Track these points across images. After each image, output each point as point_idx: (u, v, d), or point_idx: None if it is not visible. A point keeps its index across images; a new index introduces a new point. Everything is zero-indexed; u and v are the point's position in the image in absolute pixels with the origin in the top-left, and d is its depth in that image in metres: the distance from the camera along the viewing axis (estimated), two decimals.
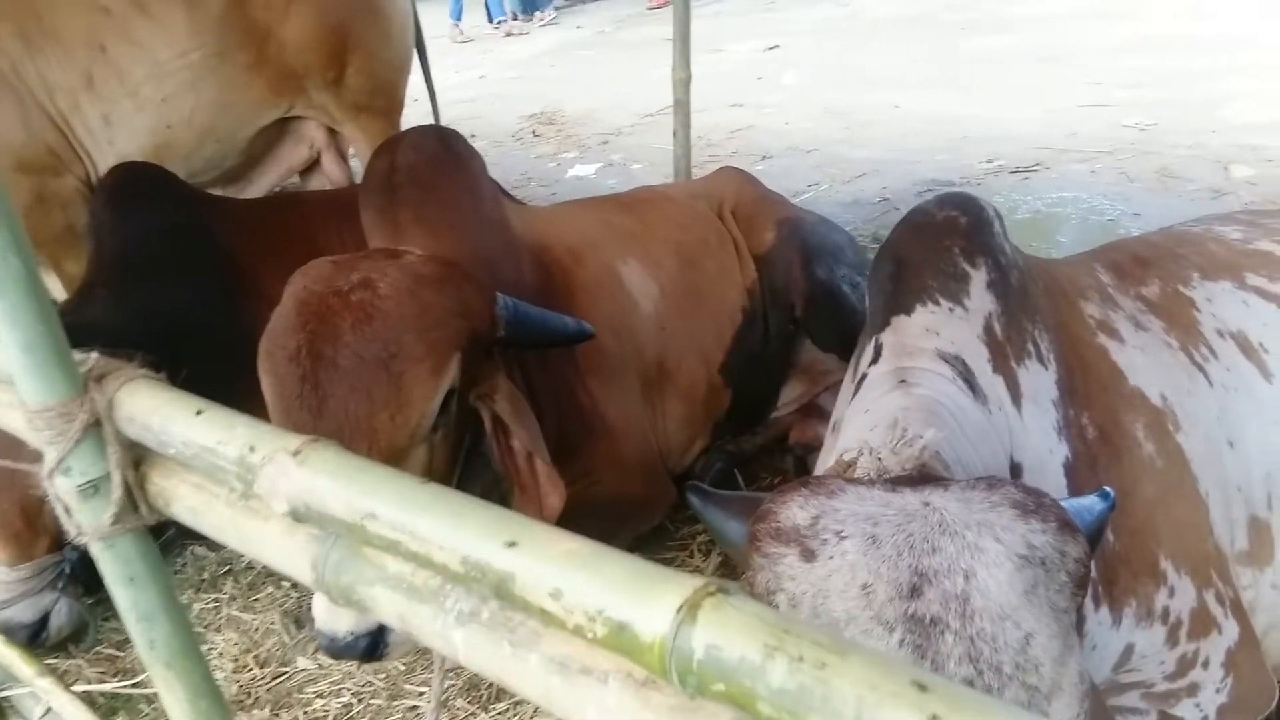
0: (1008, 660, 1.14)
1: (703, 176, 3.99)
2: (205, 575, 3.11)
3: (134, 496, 1.22)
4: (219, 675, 2.70)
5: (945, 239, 1.96)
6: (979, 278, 1.92)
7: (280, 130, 4.30)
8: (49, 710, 2.21)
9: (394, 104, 4.44)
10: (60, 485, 1.19)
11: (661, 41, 6.79)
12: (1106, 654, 1.87)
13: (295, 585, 2.98)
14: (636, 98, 8.40)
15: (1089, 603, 1.76)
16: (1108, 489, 1.46)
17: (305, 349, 1.92)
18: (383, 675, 2.62)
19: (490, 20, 14.11)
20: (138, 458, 1.23)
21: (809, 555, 1.25)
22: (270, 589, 3.01)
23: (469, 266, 2.25)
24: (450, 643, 0.93)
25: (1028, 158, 5.88)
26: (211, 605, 2.99)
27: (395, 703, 2.56)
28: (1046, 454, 1.87)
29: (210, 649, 2.82)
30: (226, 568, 3.12)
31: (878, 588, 1.19)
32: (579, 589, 0.78)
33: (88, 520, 1.22)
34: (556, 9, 14.83)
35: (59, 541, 2.64)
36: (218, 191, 4.13)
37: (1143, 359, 2.04)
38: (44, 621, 2.72)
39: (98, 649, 2.86)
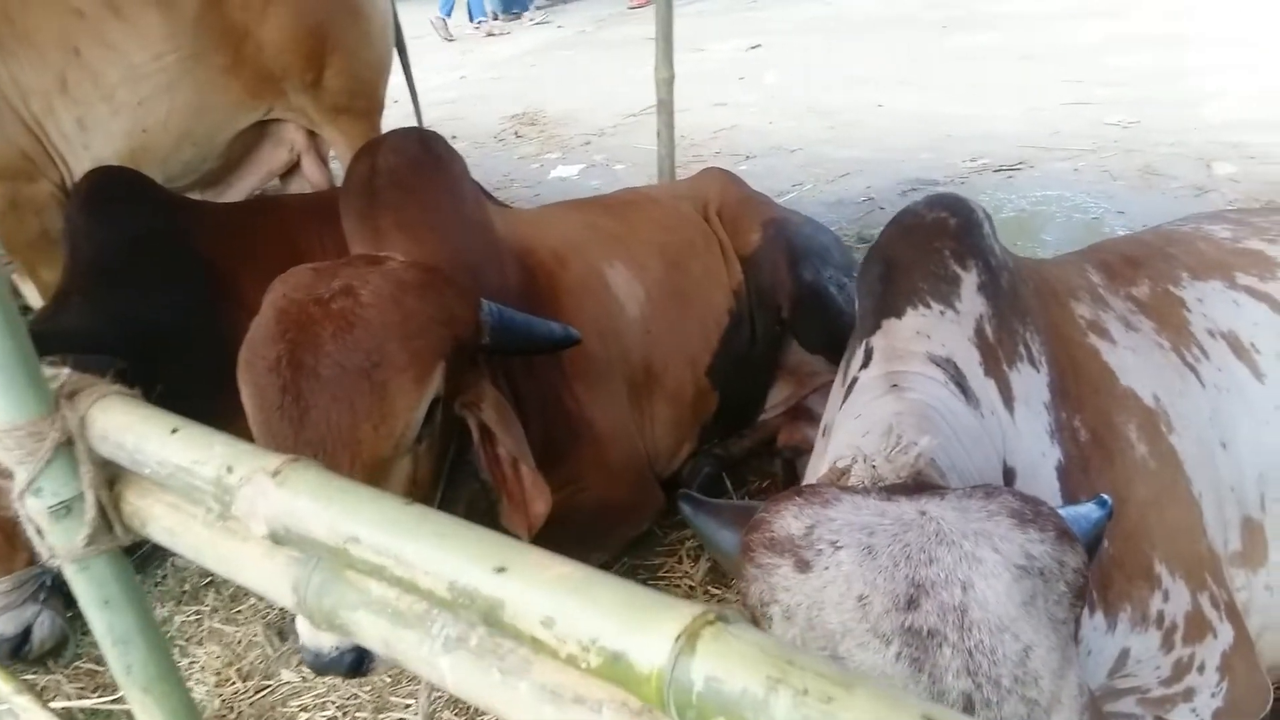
0: (1006, 673, 1.12)
1: (687, 177, 3.96)
2: (186, 587, 3.06)
3: (108, 517, 1.18)
4: (201, 690, 2.66)
5: (935, 241, 1.94)
6: (970, 280, 1.90)
7: (259, 133, 4.25)
8: None
9: (374, 106, 4.39)
10: (31, 506, 1.16)
11: (643, 41, 6.78)
12: (1101, 659, 1.85)
13: None
14: (619, 98, 8.37)
15: None
16: (1105, 497, 1.44)
17: (285, 359, 1.88)
18: (368, 688, 2.58)
19: (471, 19, 14.05)
20: (111, 476, 1.19)
21: (804, 566, 1.23)
22: (253, 600, 2.96)
23: (452, 271, 2.21)
24: (437, 669, 0.90)
25: (1011, 156, 5.88)
26: (193, 618, 2.94)
27: (381, 715, 2.52)
28: (1039, 457, 1.85)
29: (192, 663, 2.77)
30: (208, 579, 3.07)
31: (874, 599, 1.17)
32: (572, 617, 0.75)
33: (60, 542, 1.18)
34: (538, 8, 14.78)
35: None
36: (196, 196, 4.07)
37: (1134, 360, 2.03)
38: (26, 635, 2.67)
39: (77, 664, 2.81)
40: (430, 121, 5.08)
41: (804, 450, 3.20)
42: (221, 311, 2.98)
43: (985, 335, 1.87)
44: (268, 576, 1.04)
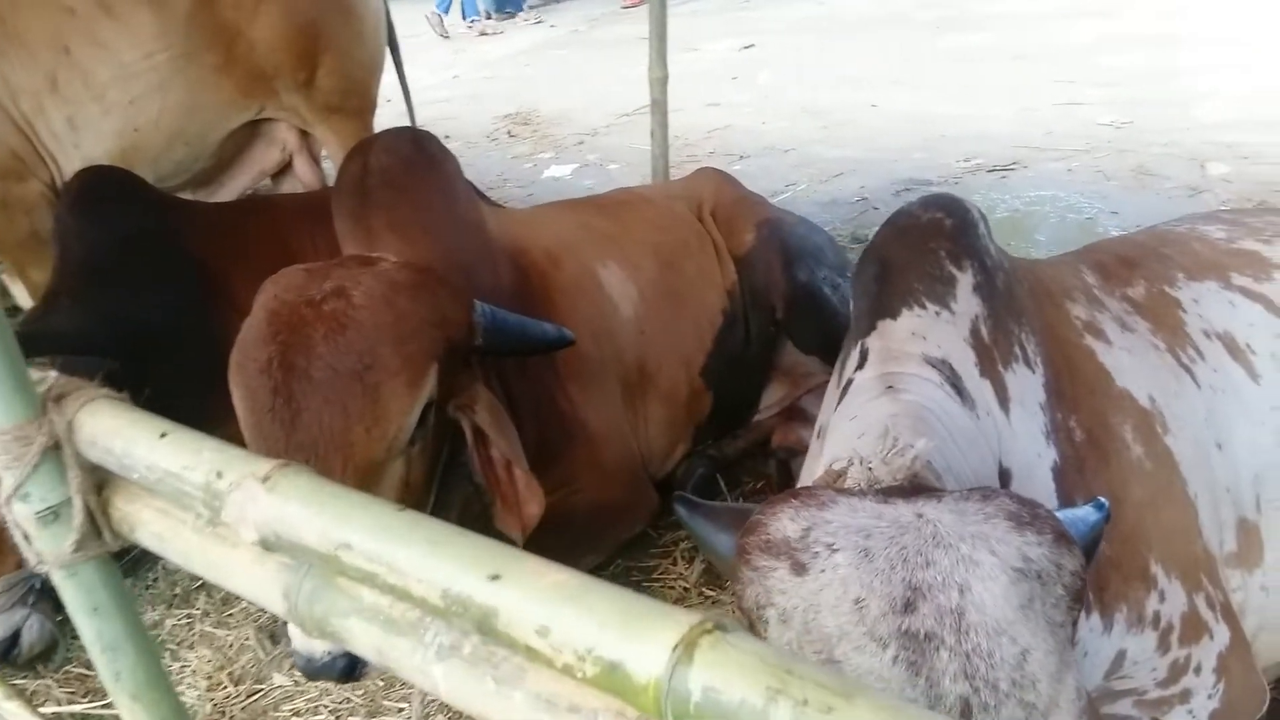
0: (1004, 676, 1.11)
1: (681, 177, 3.95)
2: (178, 590, 3.04)
3: (96, 522, 1.17)
4: (192, 694, 2.64)
5: (930, 241, 1.93)
6: (965, 280, 1.89)
7: (251, 133, 4.22)
8: None
9: (367, 105, 4.37)
10: (19, 512, 1.14)
11: (636, 40, 6.76)
12: (1098, 661, 1.84)
13: None
14: (612, 97, 8.35)
15: None
16: (1102, 500, 1.43)
17: (277, 361, 1.86)
18: (361, 691, 2.56)
19: (464, 18, 14.01)
20: (100, 481, 1.17)
21: (800, 569, 1.22)
22: (245, 604, 2.94)
23: (445, 272, 2.20)
24: (430, 677, 0.88)
25: (1005, 156, 5.87)
26: (184, 621, 2.92)
27: (374, 719, 2.51)
28: (1035, 458, 1.84)
29: (183, 667, 2.75)
30: (199, 583, 3.04)
31: (870, 602, 1.16)
32: (567, 625, 0.73)
33: (48, 548, 1.16)
34: (531, 8, 14.74)
35: None
36: (187, 195, 4.05)
37: (1130, 360, 2.02)
38: (14, 639, 2.65)
39: (67, 668, 2.78)
40: (423, 121, 5.06)
41: (798, 451, 3.19)
42: (213, 312, 2.96)
43: (981, 336, 1.86)
44: (258, 583, 1.02)
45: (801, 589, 1.20)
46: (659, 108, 4.66)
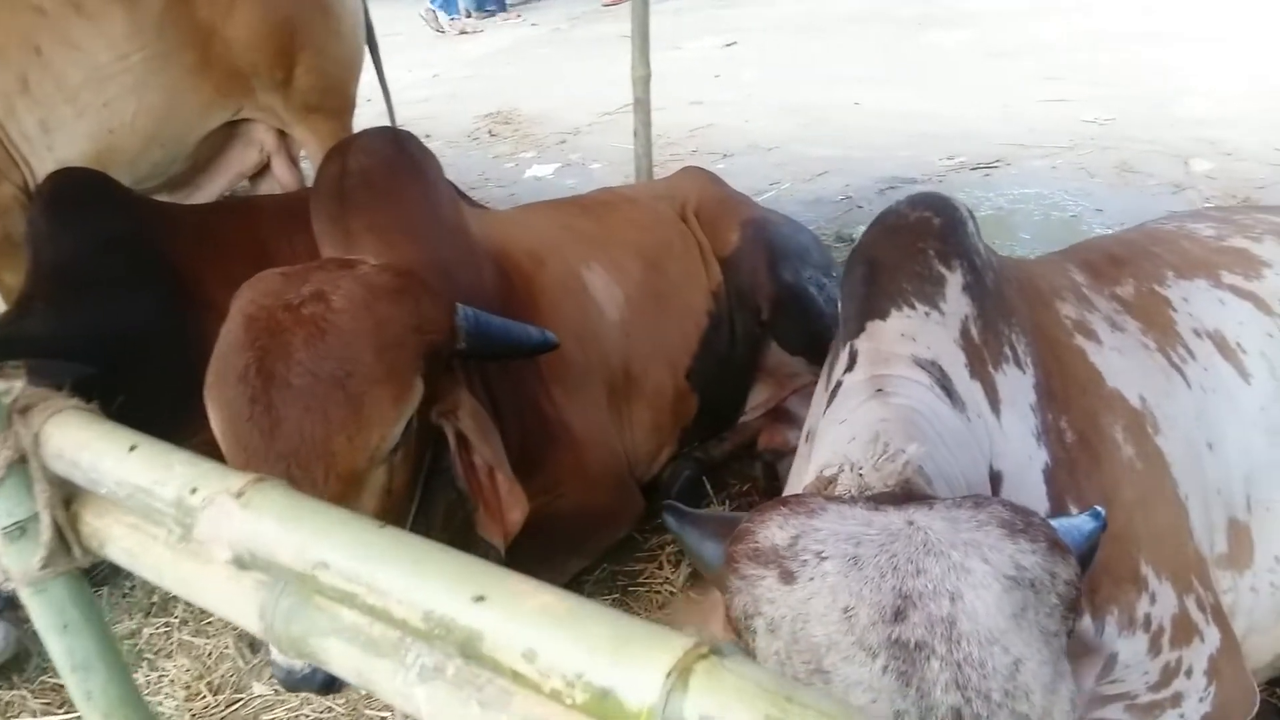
0: (996, 687, 1.09)
1: (665, 177, 3.93)
2: (155, 598, 2.99)
3: (65, 538, 1.13)
4: (170, 705, 2.59)
5: (919, 241, 1.91)
6: (954, 280, 1.87)
7: (228, 134, 4.16)
8: None
9: (345, 104, 4.32)
10: None
11: (617, 39, 6.74)
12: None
13: None
14: (594, 96, 8.31)
15: None
16: (1099, 509, 1.41)
17: (255, 368, 1.82)
18: (343, 701, 2.52)
19: (448, 16, 13.91)
20: (68, 495, 1.13)
21: (788, 577, 1.20)
22: None
23: (426, 275, 2.16)
24: (412, 701, 0.85)
25: (988, 154, 5.87)
26: (162, 630, 2.87)
27: None
28: (1026, 460, 1.82)
29: (161, 676, 2.70)
30: None
31: (860, 611, 1.14)
32: (555, 649, 0.70)
33: (15, 564, 1.12)
34: (511, 6, 14.67)
35: None
36: (164, 198, 3.99)
37: (1120, 360, 2.01)
38: None
39: (42, 678, 2.73)
40: (403, 120, 5.01)
41: (785, 453, 3.17)
42: (189, 316, 2.92)
43: (971, 337, 1.84)
44: (233, 601, 0.99)
45: (790, 598, 1.18)
46: (642, 106, 4.64)
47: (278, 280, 1.97)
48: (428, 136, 7.12)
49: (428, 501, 2.13)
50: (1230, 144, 5.47)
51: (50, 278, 2.97)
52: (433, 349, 1.99)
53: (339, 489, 1.82)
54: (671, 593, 2.82)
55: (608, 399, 2.88)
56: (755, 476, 3.27)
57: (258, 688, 2.63)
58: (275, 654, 1.83)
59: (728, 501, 3.17)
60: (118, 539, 1.10)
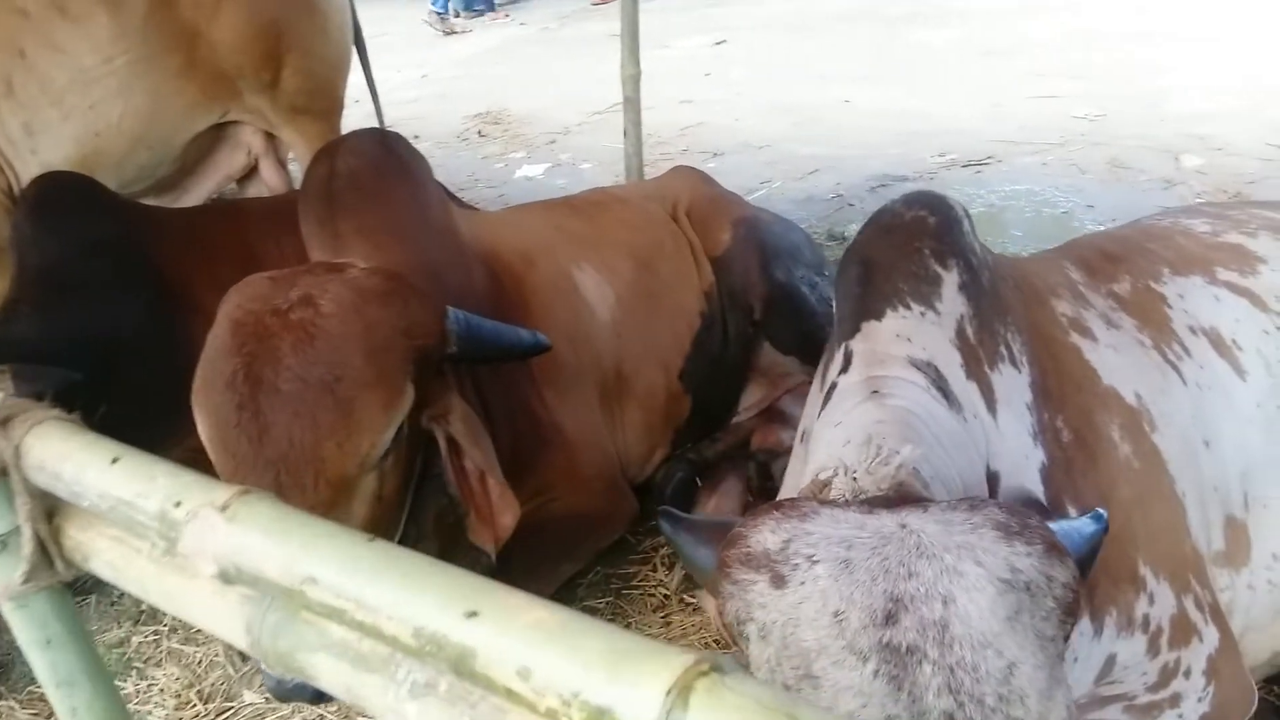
0: (990, 691, 1.07)
1: (656, 176, 3.91)
2: (144, 606, 2.95)
3: (48, 551, 1.10)
4: (160, 714, 2.56)
5: (915, 240, 1.89)
6: (950, 280, 1.86)
7: (216, 136, 4.12)
8: None
9: (333, 106, 4.28)
10: None
11: (607, 38, 6.71)
12: (1088, 666, 1.82)
13: None
14: (584, 95, 8.28)
15: None
16: (1101, 511, 1.40)
17: (242, 374, 1.79)
18: (334, 709, 2.49)
19: (433, 4, 13.84)
20: (50, 508, 1.11)
21: (779, 581, 1.18)
22: None
23: (416, 278, 2.14)
24: (403, 717, 0.83)
25: (979, 151, 5.87)
26: (151, 638, 2.84)
27: None
28: (1022, 460, 1.81)
29: (150, 685, 2.67)
30: None
31: (850, 615, 1.12)
32: (551, 667, 0.68)
33: None
34: (498, 5, 14.62)
35: None
36: (151, 201, 3.95)
37: (1116, 358, 2.00)
38: None
39: (30, 688, 2.70)
40: (391, 121, 5.00)
41: (779, 453, 3.16)
42: (177, 321, 2.88)
43: (966, 336, 1.82)
44: (219, 616, 0.96)
45: (781, 602, 1.17)
46: (632, 105, 4.62)
47: (265, 285, 1.95)
48: (416, 137, 7.10)
49: (418, 507, 2.11)
50: (1220, 139, 5.48)
51: (36, 282, 2.94)
52: (423, 353, 1.96)
53: (329, 496, 1.80)
54: (666, 596, 2.80)
55: (600, 400, 2.86)
56: (749, 477, 3.25)
57: (248, 696, 2.60)
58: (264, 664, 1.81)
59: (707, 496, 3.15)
60: (101, 552, 1.08)
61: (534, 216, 3.20)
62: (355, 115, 4.55)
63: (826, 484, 1.46)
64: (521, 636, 0.70)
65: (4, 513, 1.08)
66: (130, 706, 2.60)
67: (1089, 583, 1.76)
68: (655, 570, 2.90)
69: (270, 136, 4.19)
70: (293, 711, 2.51)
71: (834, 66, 8.44)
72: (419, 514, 2.12)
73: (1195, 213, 2.43)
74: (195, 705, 2.60)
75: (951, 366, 1.77)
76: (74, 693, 1.17)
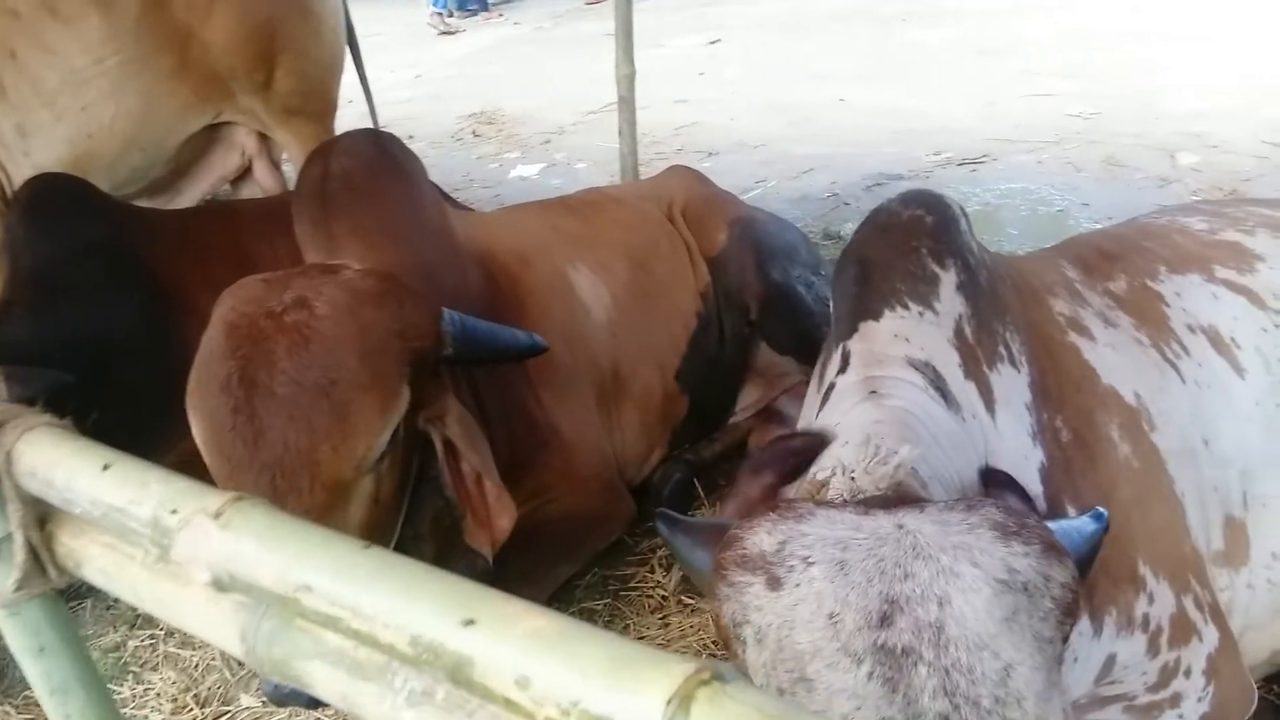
0: (986, 693, 1.06)
1: (651, 176, 3.90)
2: (140, 610, 2.94)
3: (40, 558, 1.09)
4: (156, 718, 2.55)
5: (912, 239, 1.88)
6: (948, 279, 1.85)
7: (209, 137, 4.11)
8: None
9: (327, 106, 4.26)
10: None
11: (601, 37, 6.70)
12: (1088, 666, 1.81)
13: None
14: (578, 95, 8.28)
15: None
16: (1101, 510, 1.39)
17: (237, 377, 1.78)
18: (332, 713, 2.48)
19: (447, 12, 13.83)
20: (42, 515, 1.09)
21: (775, 583, 1.17)
22: None
23: (410, 279, 2.13)
24: None
25: (974, 149, 5.87)
26: (147, 642, 2.82)
27: None
28: (1021, 460, 1.80)
29: (147, 689, 2.66)
30: None
31: (845, 617, 1.11)
32: (549, 676, 0.67)
33: None
34: (491, 4, 14.61)
35: None
36: (145, 203, 3.94)
37: (1114, 357, 1.99)
38: None
39: (26, 693, 2.68)
40: (385, 122, 4.98)
41: None
42: (171, 323, 2.87)
43: (965, 336, 1.82)
44: (213, 623, 0.95)
45: (776, 605, 1.15)
46: (627, 105, 4.61)
47: (259, 287, 1.94)
48: (410, 138, 7.08)
49: (415, 510, 2.10)
50: (1216, 137, 5.48)
51: (29, 284, 2.93)
52: (419, 355, 1.95)
53: (325, 499, 1.79)
54: (664, 597, 2.79)
55: (596, 401, 2.85)
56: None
57: (246, 699, 2.59)
58: None
59: (718, 503, 3.14)
60: (94, 559, 1.07)
61: (529, 217, 3.19)
62: (349, 116, 4.54)
63: (824, 484, 1.45)
64: (519, 645, 0.69)
65: None
66: (126, 711, 2.59)
67: (1089, 583, 1.76)
68: (653, 572, 2.89)
69: (264, 137, 4.17)
70: (290, 715, 2.50)
71: (829, 65, 8.44)
72: (415, 517, 2.11)
73: (1192, 210, 2.42)
74: (192, 709, 2.58)
75: (950, 366, 1.77)
76: (68, 700, 1.16)
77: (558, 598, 2.70)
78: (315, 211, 2.43)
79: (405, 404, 1.90)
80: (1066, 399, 1.91)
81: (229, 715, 2.56)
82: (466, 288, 2.53)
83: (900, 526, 1.19)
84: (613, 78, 4.60)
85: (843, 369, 1.79)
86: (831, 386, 1.80)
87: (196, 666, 2.72)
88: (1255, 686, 1.97)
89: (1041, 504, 1.77)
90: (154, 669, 2.74)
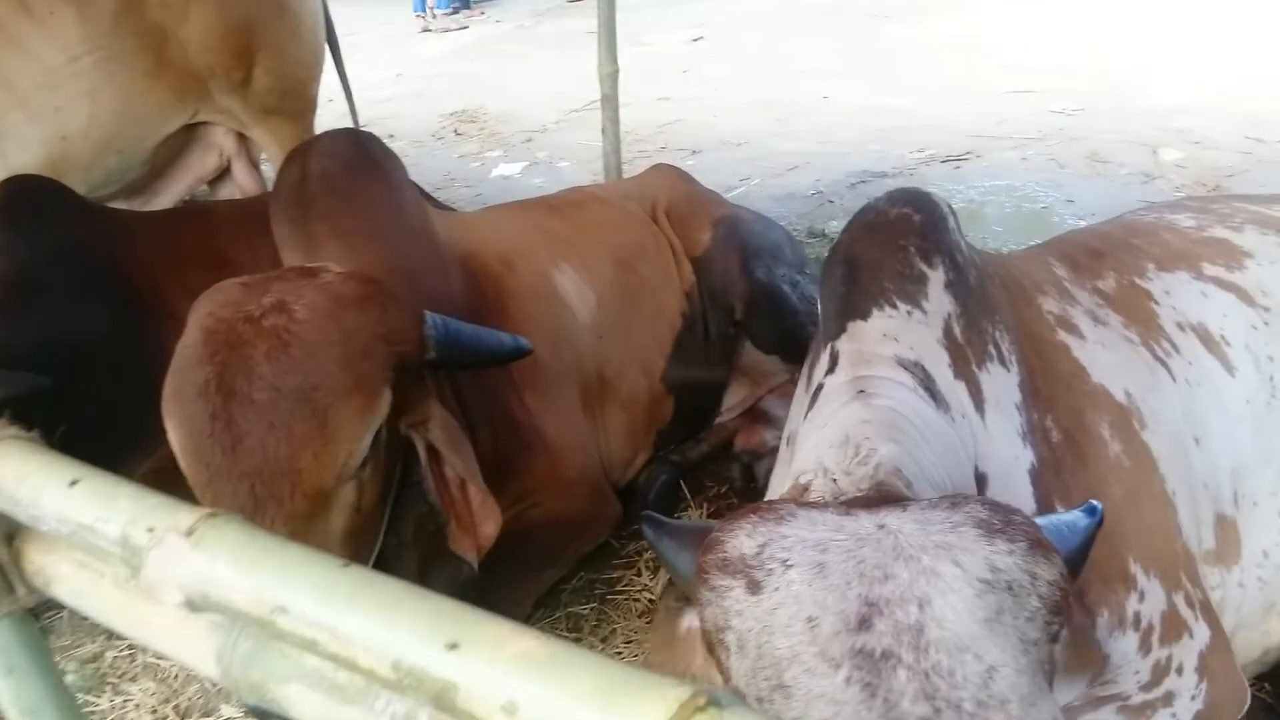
0: (968, 696, 1.03)
1: (635, 175, 3.87)
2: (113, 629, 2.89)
3: (8, 576, 1.05)
4: None
5: (900, 238, 1.86)
6: (937, 278, 1.83)
7: (186, 138, 4.06)
8: None
9: (306, 106, 4.22)
10: None
11: (583, 35, 6.67)
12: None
13: None
14: (560, 93, 8.24)
15: None
16: (1095, 504, 1.36)
17: (215, 383, 1.74)
18: None
19: (439, 10, 13.77)
20: (10, 531, 1.06)
21: (755, 587, 1.14)
22: None
23: (392, 281, 2.09)
24: None
25: (958, 146, 5.87)
26: (126, 653, 2.77)
27: None
28: (1012, 461, 1.79)
29: (126, 701, 2.61)
30: None
31: (823, 620, 1.08)
32: (538, 701, 0.64)
33: None
34: (473, 3, 14.54)
35: None
36: (121, 205, 3.89)
37: (1104, 355, 1.97)
38: None
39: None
40: (366, 121, 4.94)
41: (762, 454, 3.13)
42: (147, 327, 2.82)
43: (954, 335, 1.79)
44: (188, 645, 0.92)
45: (756, 609, 1.12)
46: (609, 103, 4.59)
47: (237, 290, 1.90)
48: (391, 137, 7.02)
49: (398, 517, 2.06)
50: (1199, 133, 5.50)
51: (3, 287, 2.87)
52: (401, 359, 1.92)
53: (306, 507, 1.75)
54: (651, 600, 2.76)
55: (582, 403, 2.82)
56: (733, 478, 3.22)
57: (226, 710, 2.55)
58: None
59: (705, 504, 3.13)
60: (64, 578, 1.03)
61: (512, 217, 3.16)
62: (328, 115, 4.49)
63: (807, 486, 1.43)
64: (507, 668, 0.66)
65: None
66: None
67: (1081, 583, 1.74)
68: (640, 575, 2.87)
69: (242, 138, 4.13)
70: None
71: (812, 62, 8.43)
72: (399, 524, 2.08)
73: (1179, 207, 2.41)
74: None
75: (939, 366, 1.74)
76: None
77: (544, 602, 2.67)
78: (294, 213, 2.39)
79: (387, 409, 1.87)
80: (1056, 398, 1.89)
81: None
82: (449, 290, 2.50)
83: (881, 527, 1.16)
84: (595, 75, 4.58)
85: (831, 369, 1.76)
86: (820, 387, 1.77)
87: (176, 677, 2.67)
88: (1248, 684, 1.96)
89: (1031, 505, 1.76)
90: (133, 680, 2.69)
